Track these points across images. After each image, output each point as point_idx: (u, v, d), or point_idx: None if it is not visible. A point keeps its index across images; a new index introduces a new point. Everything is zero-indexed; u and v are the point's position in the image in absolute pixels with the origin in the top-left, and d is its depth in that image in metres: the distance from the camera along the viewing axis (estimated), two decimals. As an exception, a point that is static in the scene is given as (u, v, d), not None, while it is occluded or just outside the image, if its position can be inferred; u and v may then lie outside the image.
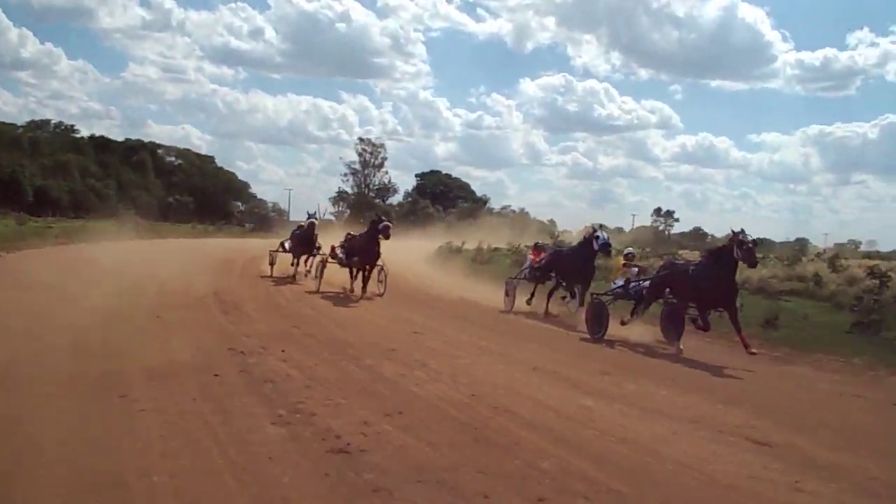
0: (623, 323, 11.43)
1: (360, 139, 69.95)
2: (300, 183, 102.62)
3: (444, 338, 10.18)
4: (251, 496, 4.15)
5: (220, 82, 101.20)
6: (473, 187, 76.26)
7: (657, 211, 68.52)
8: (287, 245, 18.73)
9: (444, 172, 71.63)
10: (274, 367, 7.36)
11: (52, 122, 68.16)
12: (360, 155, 67.90)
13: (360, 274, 15.60)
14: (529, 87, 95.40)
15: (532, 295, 14.90)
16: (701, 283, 10.38)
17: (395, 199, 68.36)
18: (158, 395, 6.05)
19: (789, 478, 4.84)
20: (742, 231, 10.18)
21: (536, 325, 13.21)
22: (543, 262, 14.97)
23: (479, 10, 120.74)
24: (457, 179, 70.91)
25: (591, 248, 13.49)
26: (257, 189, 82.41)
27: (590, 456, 5.04)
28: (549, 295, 14.70)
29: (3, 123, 62.57)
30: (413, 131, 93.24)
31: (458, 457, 4.89)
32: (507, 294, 15.13)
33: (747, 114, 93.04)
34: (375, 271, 15.65)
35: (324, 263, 16.47)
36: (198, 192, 65.02)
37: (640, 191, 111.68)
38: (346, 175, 68.42)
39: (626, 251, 13.98)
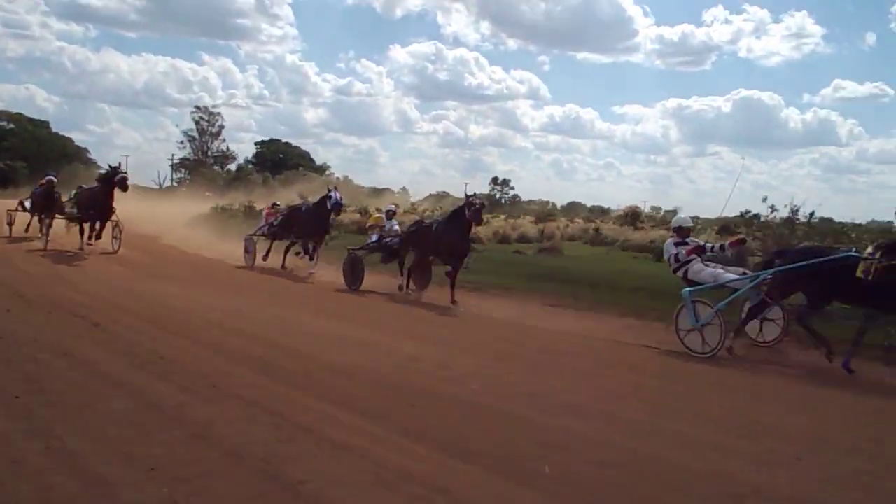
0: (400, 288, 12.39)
1: (196, 107, 70.33)
2: (160, 148, 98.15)
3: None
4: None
5: (68, 39, 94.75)
6: (346, 155, 79.54)
7: (494, 180, 74.30)
8: (27, 204, 18.25)
9: (283, 141, 73.03)
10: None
11: None
12: (196, 123, 68.64)
13: (94, 228, 15.17)
14: (400, 53, 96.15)
15: (267, 252, 15.49)
16: (440, 238, 11.82)
17: (233, 166, 69.08)
18: None
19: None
20: (474, 194, 11.86)
21: (270, 277, 14.14)
22: (280, 220, 15.57)
23: None
24: (297, 148, 72.69)
25: (325, 207, 14.28)
26: (109, 154, 79.13)
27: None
28: (286, 251, 15.51)
29: None
30: (281, 96, 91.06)
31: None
32: (246, 251, 15.83)
33: (611, 86, 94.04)
34: (109, 226, 15.29)
35: (51, 220, 16.20)
36: (31, 158, 60.10)
37: (511, 160, 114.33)
38: (182, 142, 68.87)
39: (386, 208, 14.90)
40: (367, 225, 15.60)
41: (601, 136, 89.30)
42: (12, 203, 19.43)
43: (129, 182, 14.85)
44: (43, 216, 16.76)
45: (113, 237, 15.35)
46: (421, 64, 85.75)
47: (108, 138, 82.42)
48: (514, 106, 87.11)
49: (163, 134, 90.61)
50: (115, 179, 14.68)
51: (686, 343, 8.13)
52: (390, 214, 14.23)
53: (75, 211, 15.98)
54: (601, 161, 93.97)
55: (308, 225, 14.60)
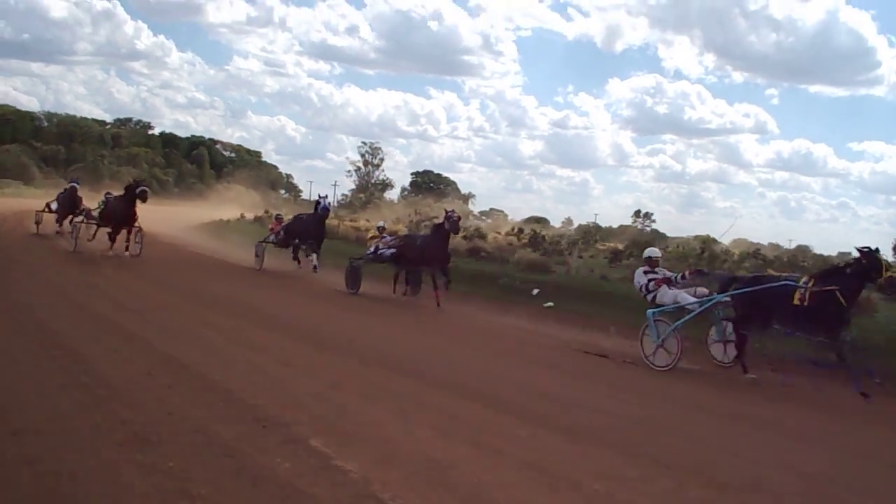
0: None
1: (363, 142, 78.47)
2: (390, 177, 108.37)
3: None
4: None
5: (316, 76, 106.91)
6: (560, 187, 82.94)
7: (637, 213, 72.03)
8: (53, 206, 20.67)
9: (435, 172, 78.48)
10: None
11: (134, 119, 79.68)
12: (362, 156, 76.90)
13: (116, 234, 16.49)
14: (618, 87, 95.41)
15: (295, 258, 17.13)
16: (425, 250, 13.49)
17: (393, 194, 75.17)
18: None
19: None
20: (453, 210, 13.97)
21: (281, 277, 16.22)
22: (284, 229, 17.44)
23: (570, 10, 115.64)
24: (447, 179, 78.08)
25: (319, 214, 16.25)
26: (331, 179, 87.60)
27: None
28: (295, 254, 17.13)
29: (95, 121, 74.73)
30: (499, 129, 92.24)
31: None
32: (256, 255, 17.59)
33: (848, 121, 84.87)
34: (133, 233, 16.59)
35: (82, 223, 17.81)
36: (245, 182, 72.61)
37: (731, 196, 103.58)
38: (349, 171, 77.04)
39: (378, 224, 17.24)
40: (368, 237, 17.12)
41: (835, 174, 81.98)
42: (41, 204, 21.72)
43: (148, 195, 16.47)
44: (70, 219, 18.87)
45: (135, 241, 16.70)
46: (640, 97, 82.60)
47: (343, 166, 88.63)
48: (738, 140, 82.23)
49: (390, 163, 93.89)
50: (136, 192, 16.37)
51: (649, 358, 9.18)
52: (381, 230, 16.18)
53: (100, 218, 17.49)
54: (834, 201, 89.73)
55: (307, 230, 16.42)
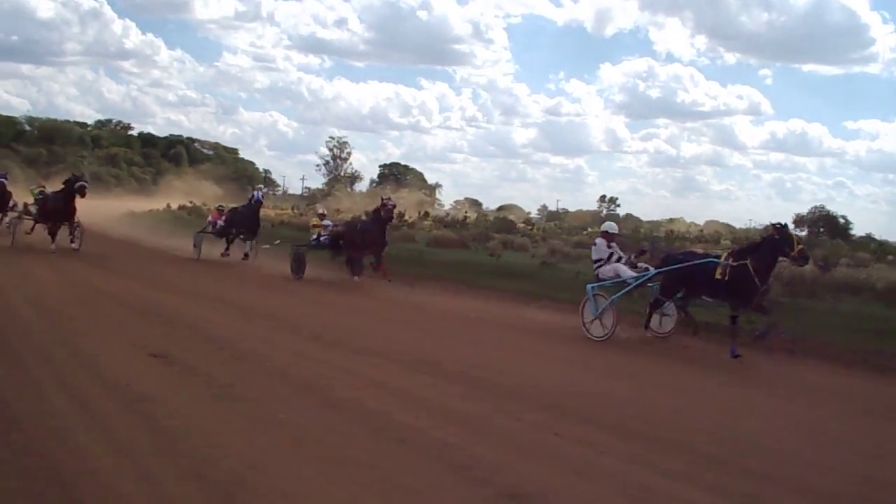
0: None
1: (331, 137, 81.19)
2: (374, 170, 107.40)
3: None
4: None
5: (306, 70, 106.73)
6: (554, 174, 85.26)
7: (602, 197, 76.48)
8: None
9: (402, 164, 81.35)
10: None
11: (114, 121, 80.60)
12: (330, 150, 79.75)
13: (56, 230, 16.61)
14: (610, 72, 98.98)
15: (226, 249, 17.87)
16: (364, 235, 14.57)
17: (362, 186, 77.89)
18: None
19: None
20: (389, 198, 15.21)
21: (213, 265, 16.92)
22: (224, 219, 18.19)
23: None
24: (413, 170, 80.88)
25: (255, 206, 17.38)
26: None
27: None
28: (229, 244, 17.94)
29: (76, 123, 75.98)
30: (492, 118, 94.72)
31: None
32: (195, 245, 18.25)
33: (843, 99, 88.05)
34: (73, 228, 16.66)
35: (20, 219, 17.65)
36: (222, 179, 72.64)
37: (727, 179, 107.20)
38: (318, 166, 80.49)
39: (319, 211, 18.15)
40: (311, 225, 17.75)
41: (830, 153, 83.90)
42: None
43: (87, 190, 16.67)
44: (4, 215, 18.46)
45: (74, 236, 16.76)
46: (632, 81, 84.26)
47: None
48: (732, 122, 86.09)
49: (383, 156, 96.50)
50: (75, 186, 16.44)
51: (588, 329, 9.95)
52: (323, 217, 17.08)
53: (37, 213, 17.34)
54: (830, 181, 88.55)
55: (244, 221, 17.34)
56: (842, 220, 54.94)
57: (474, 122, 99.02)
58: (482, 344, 9.40)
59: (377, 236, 14.47)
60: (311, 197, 67.11)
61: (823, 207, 57.26)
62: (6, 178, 19.09)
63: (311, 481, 4.34)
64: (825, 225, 53.86)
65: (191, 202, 47.09)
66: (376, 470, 4.54)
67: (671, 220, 58.84)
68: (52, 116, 73.62)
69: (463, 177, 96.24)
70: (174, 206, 45.74)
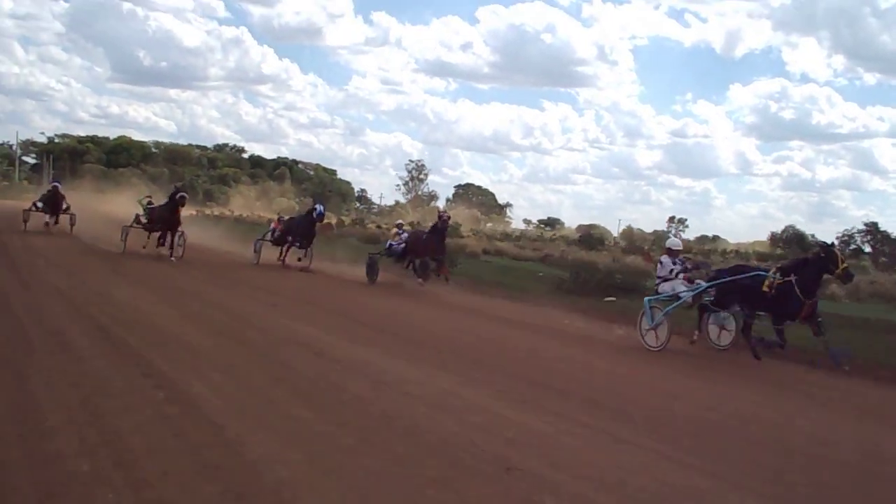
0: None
1: (410, 160, 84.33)
2: (501, 189, 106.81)
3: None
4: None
5: (431, 93, 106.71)
6: (680, 197, 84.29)
7: (671, 218, 74.87)
8: (38, 205, 22.47)
9: (476, 185, 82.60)
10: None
11: (230, 144, 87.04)
12: (409, 171, 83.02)
13: (161, 238, 17.93)
14: (740, 93, 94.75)
15: (280, 253, 18.82)
16: (427, 244, 16.59)
17: (440, 203, 79.34)
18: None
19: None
20: (445, 211, 17.65)
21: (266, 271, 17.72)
22: (281, 228, 19.12)
23: (687, 16, 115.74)
24: (486, 190, 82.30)
25: (312, 217, 18.22)
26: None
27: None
28: (285, 251, 18.75)
29: (196, 146, 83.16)
30: (615, 139, 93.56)
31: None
32: (255, 251, 19.27)
33: None
34: (176, 236, 17.79)
35: (129, 229, 18.76)
36: (317, 196, 79.02)
37: (866, 204, 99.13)
38: (398, 186, 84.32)
39: (396, 221, 21.05)
40: (392, 234, 18.90)
41: None
42: (27, 204, 23.30)
43: (186, 201, 18.07)
44: (52, 214, 21.27)
45: (177, 244, 17.86)
46: (764, 103, 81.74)
47: (459, 180, 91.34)
48: (872, 145, 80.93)
49: (506, 176, 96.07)
50: (176, 198, 17.82)
51: (644, 339, 10.43)
52: (400, 226, 18.96)
53: (147, 223, 18.77)
54: None
55: (301, 231, 18.32)
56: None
57: (597, 144, 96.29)
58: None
59: (435, 243, 16.40)
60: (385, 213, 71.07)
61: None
62: (60, 183, 21.97)
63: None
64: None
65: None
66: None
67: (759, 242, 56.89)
68: (194, 138, 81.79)
69: (585, 198, 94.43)
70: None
